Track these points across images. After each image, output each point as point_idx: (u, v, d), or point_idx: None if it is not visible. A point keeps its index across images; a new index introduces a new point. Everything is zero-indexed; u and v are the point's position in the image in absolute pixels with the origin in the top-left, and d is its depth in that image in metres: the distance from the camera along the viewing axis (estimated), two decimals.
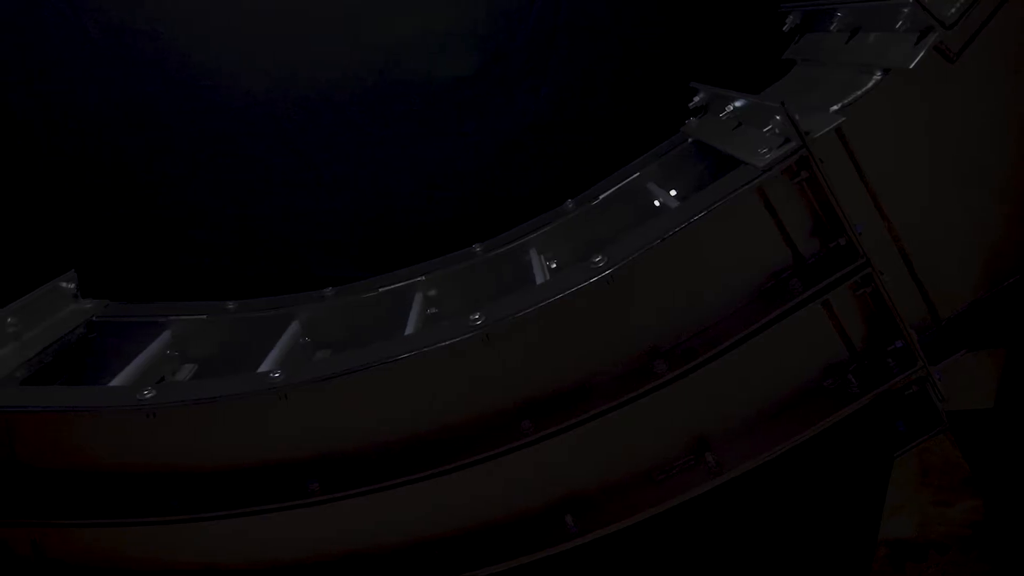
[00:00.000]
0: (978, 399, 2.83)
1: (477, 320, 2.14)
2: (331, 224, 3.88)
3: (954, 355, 2.40)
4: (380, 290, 3.11)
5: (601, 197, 3.15)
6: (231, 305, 3.08)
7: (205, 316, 3.05)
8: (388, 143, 3.80)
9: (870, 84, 2.33)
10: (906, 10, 2.32)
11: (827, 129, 2.21)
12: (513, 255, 3.12)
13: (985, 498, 2.86)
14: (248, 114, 3.72)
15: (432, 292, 3.11)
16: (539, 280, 2.86)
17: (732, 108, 2.78)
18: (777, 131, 2.27)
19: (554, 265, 3.11)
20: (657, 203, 3.03)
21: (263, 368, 2.62)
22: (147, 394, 2.16)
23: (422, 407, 2.24)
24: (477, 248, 3.18)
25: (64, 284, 3.01)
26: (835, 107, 2.31)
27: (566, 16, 3.71)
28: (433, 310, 3.08)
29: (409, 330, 2.80)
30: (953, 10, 2.22)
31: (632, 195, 3.13)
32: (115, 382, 2.65)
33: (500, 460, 2.20)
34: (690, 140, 3.11)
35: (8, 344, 2.69)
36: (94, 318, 3.01)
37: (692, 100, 3.12)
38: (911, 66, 2.24)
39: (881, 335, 2.28)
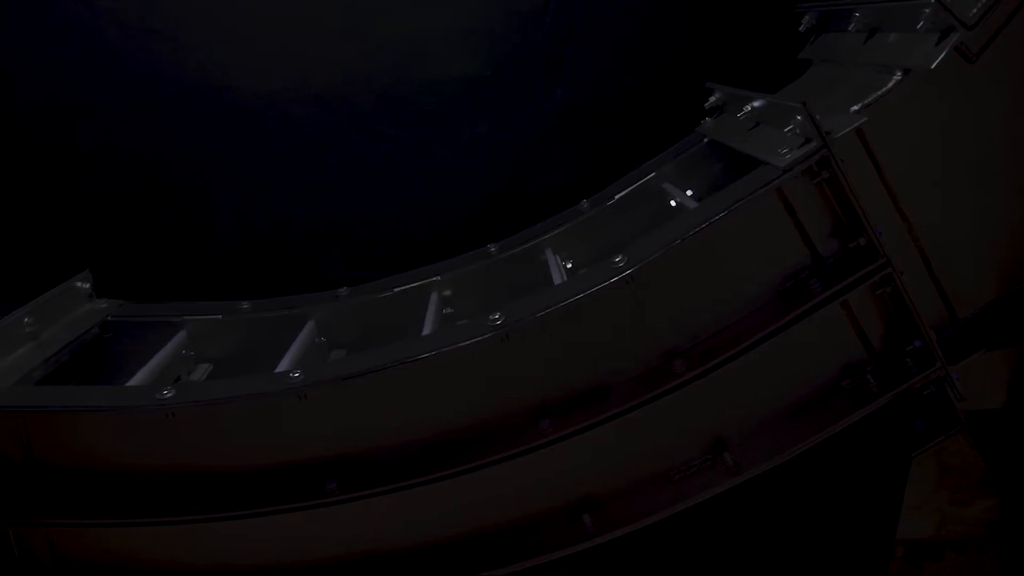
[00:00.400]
0: (988, 399, 2.83)
1: (497, 320, 2.14)
2: (344, 224, 3.88)
3: (972, 355, 2.39)
4: (395, 290, 3.09)
5: (617, 197, 3.14)
6: (245, 305, 3.08)
7: (220, 316, 3.05)
8: (402, 143, 3.80)
9: (890, 84, 2.31)
10: (927, 10, 2.30)
11: (848, 129, 2.20)
12: (528, 255, 3.11)
13: (1002, 498, 2.85)
14: (263, 115, 3.73)
15: (447, 292, 3.10)
16: (556, 280, 2.84)
17: (750, 108, 2.76)
18: (798, 131, 2.25)
19: (570, 265, 3.10)
20: (673, 203, 3.02)
21: (281, 368, 2.61)
22: (167, 394, 2.16)
23: (441, 407, 2.23)
24: (492, 248, 3.16)
25: (79, 284, 3.01)
26: (855, 107, 2.30)
27: (581, 16, 3.71)
28: (448, 310, 3.07)
29: (426, 330, 2.78)
30: (975, 10, 2.21)
31: (648, 195, 3.12)
32: (132, 382, 2.64)
33: (519, 460, 2.19)
34: (706, 140, 3.10)
35: (25, 344, 2.69)
36: (109, 318, 3.01)
37: (708, 100, 3.11)
38: (932, 66, 2.23)
39: (900, 335, 2.27)
